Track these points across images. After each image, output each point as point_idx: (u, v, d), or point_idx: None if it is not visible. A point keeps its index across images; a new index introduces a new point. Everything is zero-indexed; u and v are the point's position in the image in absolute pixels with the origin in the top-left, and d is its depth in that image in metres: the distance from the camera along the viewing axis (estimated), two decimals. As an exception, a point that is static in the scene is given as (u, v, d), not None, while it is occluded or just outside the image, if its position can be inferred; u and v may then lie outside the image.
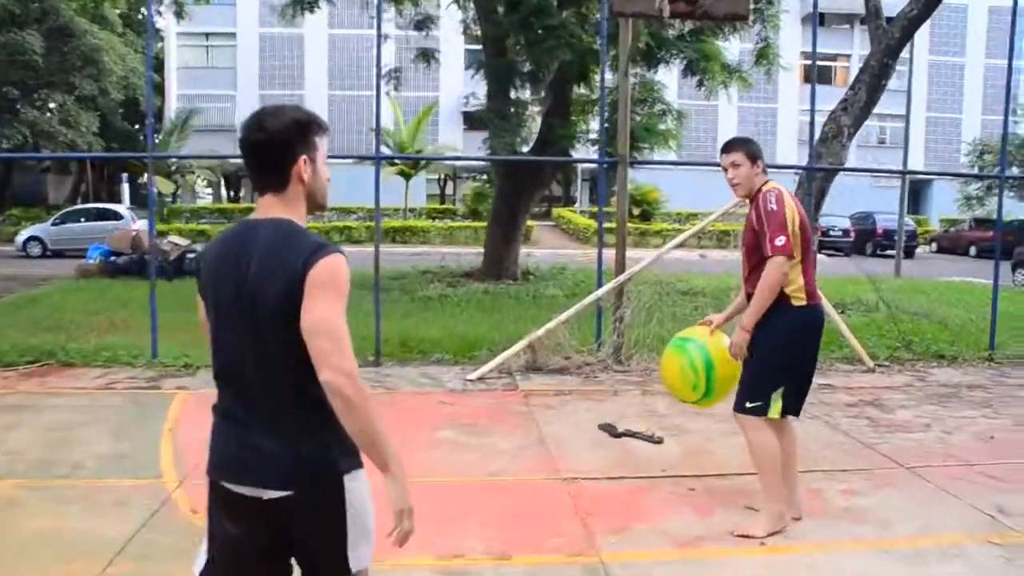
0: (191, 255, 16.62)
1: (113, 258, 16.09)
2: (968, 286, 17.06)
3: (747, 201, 4.25)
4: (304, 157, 2.14)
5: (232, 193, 46.15)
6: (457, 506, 4.59)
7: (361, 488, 2.16)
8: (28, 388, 7.31)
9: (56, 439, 5.75)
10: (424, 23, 15.07)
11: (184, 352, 8.34)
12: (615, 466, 5.26)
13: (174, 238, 18.99)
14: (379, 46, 8.35)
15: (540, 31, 11.77)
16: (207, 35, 40.94)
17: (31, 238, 24.84)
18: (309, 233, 2.13)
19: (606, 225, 9.54)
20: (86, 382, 7.53)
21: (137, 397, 7.01)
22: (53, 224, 25.04)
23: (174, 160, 34.75)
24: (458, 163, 38.96)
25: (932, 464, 5.36)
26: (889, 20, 11.10)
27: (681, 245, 9.15)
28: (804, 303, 4.06)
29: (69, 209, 27.75)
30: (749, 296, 4.13)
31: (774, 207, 3.95)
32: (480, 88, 15.13)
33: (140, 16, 37.49)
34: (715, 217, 8.92)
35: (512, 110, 13.84)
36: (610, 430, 5.90)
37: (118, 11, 32.64)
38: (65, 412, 6.48)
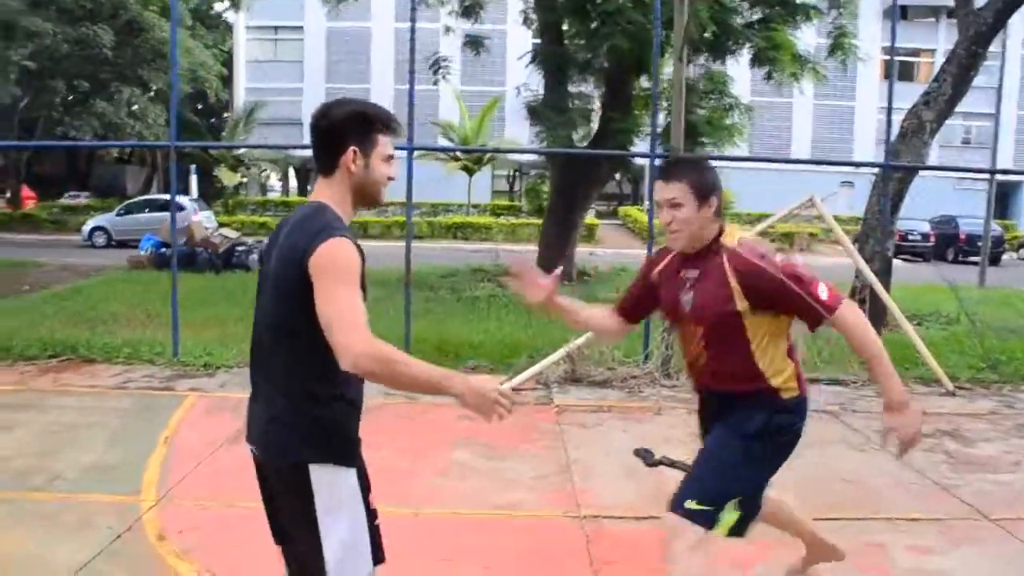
0: (240, 247, 16.38)
1: (163, 249, 15.91)
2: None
3: (687, 256, 2.88)
4: (355, 149, 2.23)
5: (303, 186, 46.43)
6: (453, 544, 4.01)
7: (336, 487, 2.20)
8: (41, 385, 7.00)
9: (47, 444, 5.39)
10: (472, 9, 14.47)
11: (207, 350, 7.96)
12: (645, 502, 4.60)
13: (225, 230, 18.83)
14: (413, 32, 7.79)
15: (596, 17, 11.10)
16: (275, 28, 41.13)
17: (96, 228, 25.11)
18: (325, 215, 2.20)
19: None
20: (101, 380, 7.19)
21: (146, 399, 6.61)
22: (118, 214, 25.28)
23: (240, 152, 34.91)
24: (524, 159, 38.35)
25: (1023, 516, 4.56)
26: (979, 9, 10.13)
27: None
28: (797, 393, 2.85)
29: (133, 200, 28.03)
30: (701, 390, 3.05)
31: (773, 258, 2.72)
32: (538, 80, 14.49)
33: (210, 10, 37.84)
34: (778, 219, 8.11)
35: (568, 103, 13.18)
36: (645, 457, 5.21)
37: (188, 5, 32.84)
38: (68, 414, 6.13)
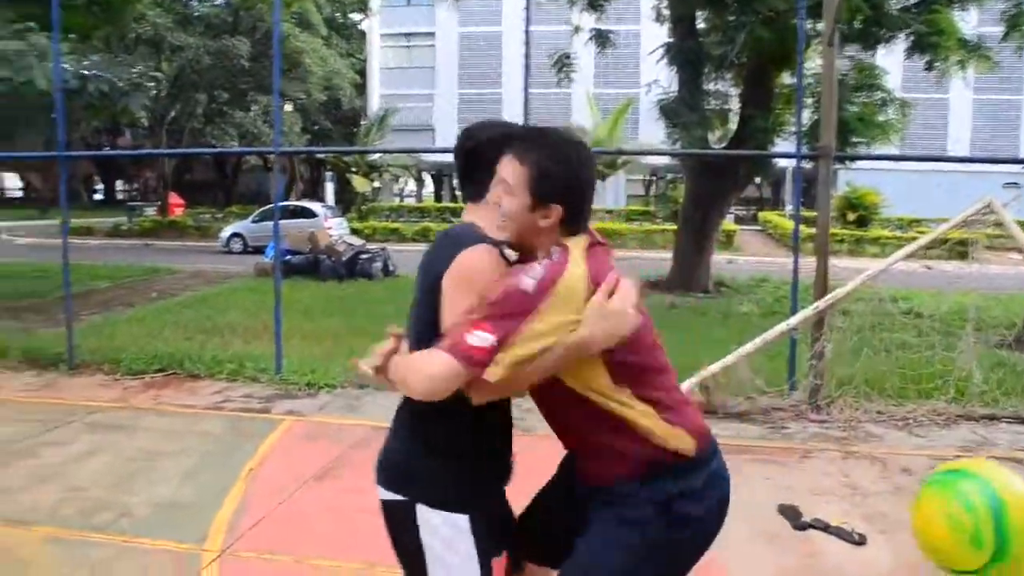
0: (364, 255, 16.12)
1: (289, 257, 15.83)
2: None
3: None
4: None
5: (438, 191, 46.79)
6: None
7: (447, 533, 1.98)
8: (140, 402, 6.72)
9: (125, 474, 5.01)
10: (596, 2, 13.67)
11: (311, 368, 7.52)
12: (792, 580, 3.75)
13: (349, 237, 18.68)
14: (528, 33, 7.12)
15: (733, 6, 10.13)
16: (408, 35, 41.45)
17: (233, 234, 25.65)
18: (468, 234, 2.00)
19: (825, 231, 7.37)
20: (199, 398, 6.85)
21: (240, 422, 6.18)
22: (253, 221, 25.73)
23: (374, 158, 35.25)
24: (659, 162, 37.22)
25: None
26: None
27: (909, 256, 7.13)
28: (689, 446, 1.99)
29: (268, 207, 28.63)
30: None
31: (529, 286, 1.83)
32: (671, 78, 13.58)
33: (345, 20, 38.50)
34: (951, 226, 6.90)
35: (703, 101, 12.25)
36: (792, 517, 4.36)
37: (322, 15, 33.45)
38: (156, 437, 5.77)
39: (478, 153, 2.10)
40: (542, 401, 2.07)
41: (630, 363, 1.95)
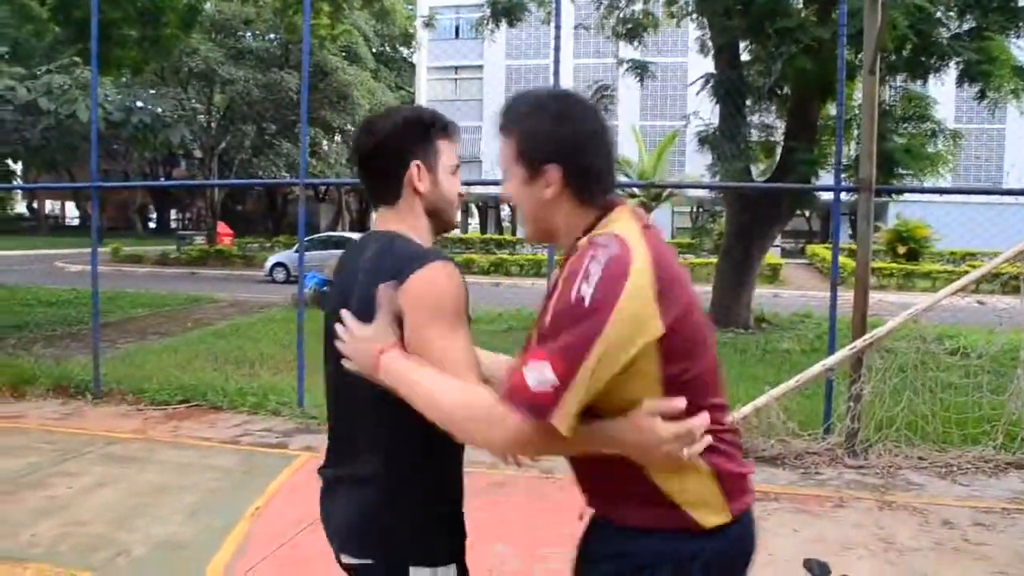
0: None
1: (326, 288, 15.82)
2: None
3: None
4: (418, 163, 1.81)
5: (485, 223, 46.96)
6: None
7: None
8: (158, 434, 6.64)
9: (128, 509, 4.90)
10: (635, 32, 13.56)
11: (333, 401, 7.38)
12: (816, 645, 3.47)
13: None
14: (557, 61, 7.00)
15: (774, 35, 9.90)
16: (456, 68, 41.81)
17: (277, 264, 25.87)
18: (410, 244, 1.76)
19: (872, 266, 6.95)
20: (218, 431, 6.75)
21: (254, 457, 6.05)
22: (296, 251, 25.90)
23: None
24: (705, 195, 36.89)
25: None
26: None
27: (960, 291, 6.77)
28: (723, 520, 1.65)
29: (311, 237, 28.87)
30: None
31: (588, 296, 1.46)
32: (712, 108, 13.38)
33: (394, 53, 38.99)
34: (1005, 259, 6.51)
35: (744, 132, 12.00)
36: (820, 573, 4.08)
37: (372, 49, 33.91)
38: (166, 471, 5.67)
39: (385, 145, 1.82)
40: None
41: (689, 380, 1.59)
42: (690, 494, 1.62)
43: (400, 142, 1.82)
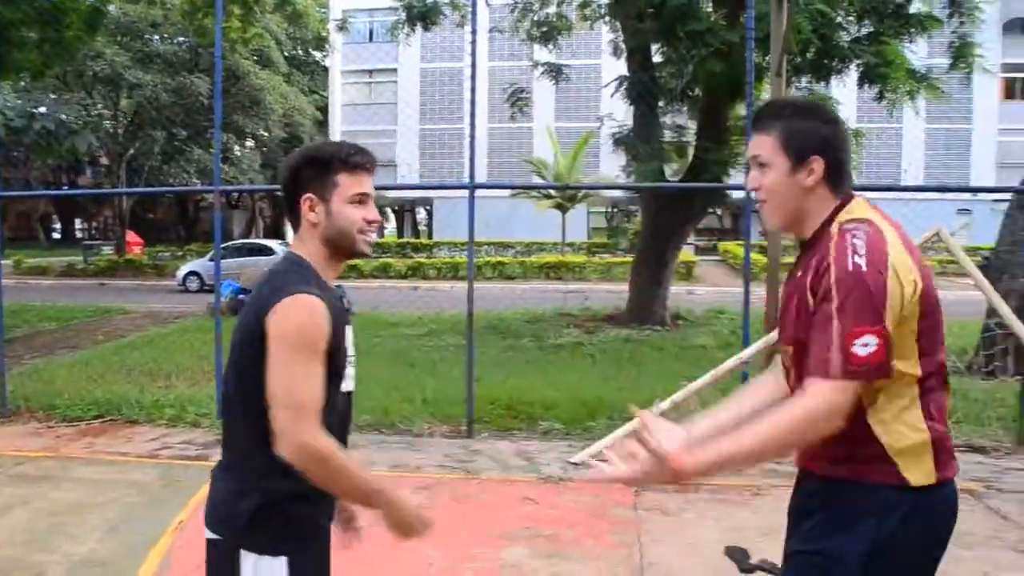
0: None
1: (242, 296, 15.56)
2: None
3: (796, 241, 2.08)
4: (308, 196, 1.98)
5: (402, 228, 46.70)
6: None
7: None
8: (72, 451, 6.45)
9: (43, 529, 4.74)
10: (550, 35, 13.74)
11: (255, 411, 7.27)
12: (738, 630, 3.59)
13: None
14: (474, 67, 7.04)
15: (685, 38, 10.14)
16: (370, 72, 41.46)
17: (190, 273, 25.32)
18: (290, 273, 1.94)
19: (782, 261, 7.23)
20: (135, 446, 6.59)
21: (174, 470, 5.93)
22: (210, 259, 25.39)
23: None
24: (620, 195, 37.42)
25: None
26: None
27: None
28: (929, 480, 1.80)
29: (226, 244, 28.34)
30: (798, 465, 2.00)
31: (863, 264, 1.73)
32: (626, 110, 13.59)
33: (307, 57, 38.50)
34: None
35: (657, 133, 12.24)
36: (740, 560, 4.19)
37: (284, 53, 33.40)
38: (82, 488, 5.51)
39: (286, 180, 2.03)
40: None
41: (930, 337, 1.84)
42: (906, 451, 1.79)
43: (293, 177, 2.01)
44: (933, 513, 1.83)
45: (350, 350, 2.10)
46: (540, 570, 4.15)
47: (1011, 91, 37.43)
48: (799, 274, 1.90)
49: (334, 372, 1.92)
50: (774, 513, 4.92)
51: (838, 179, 1.90)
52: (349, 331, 2.09)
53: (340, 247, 2.01)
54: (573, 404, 7.58)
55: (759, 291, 7.02)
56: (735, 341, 10.80)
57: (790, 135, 1.89)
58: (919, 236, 6.57)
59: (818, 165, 1.88)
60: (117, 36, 27.13)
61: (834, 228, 1.83)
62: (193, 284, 24.71)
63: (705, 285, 25.95)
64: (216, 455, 5.62)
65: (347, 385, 2.06)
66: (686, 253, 25.82)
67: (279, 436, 1.80)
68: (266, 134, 31.03)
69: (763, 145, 1.93)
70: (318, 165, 1.99)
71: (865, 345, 1.69)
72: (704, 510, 5.05)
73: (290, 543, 1.92)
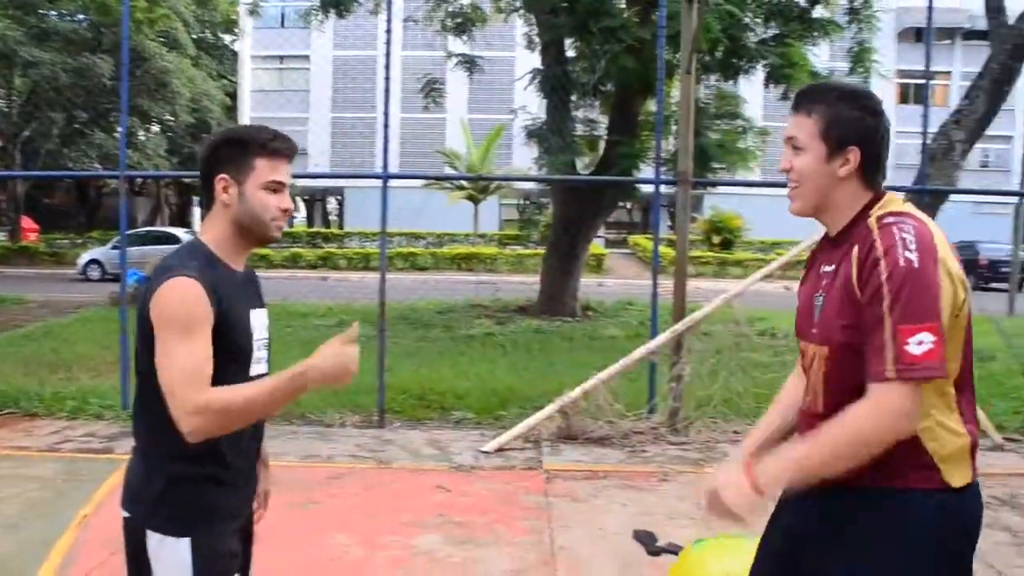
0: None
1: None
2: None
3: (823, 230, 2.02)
4: (223, 177, 1.96)
5: (311, 216, 45.98)
6: None
7: (167, 556, 1.91)
8: (-34, 446, 6.18)
9: (-60, 527, 4.55)
10: (464, 27, 13.77)
11: (161, 402, 7.11)
12: (645, 610, 3.71)
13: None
14: (388, 56, 7.03)
15: (598, 35, 10.31)
16: (281, 58, 40.71)
17: (91, 261, 24.56)
18: (175, 257, 1.94)
19: (690, 254, 7.42)
20: (34, 439, 6.37)
21: (77, 464, 5.76)
22: (112, 247, 24.62)
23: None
24: (532, 187, 37.70)
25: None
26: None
27: (766, 278, 7.34)
28: (966, 481, 1.80)
29: (129, 232, 27.49)
30: (810, 421, 1.89)
31: (915, 259, 1.68)
32: (540, 104, 13.71)
33: (215, 41, 37.52)
34: (803, 247, 7.12)
35: (570, 127, 12.40)
36: (647, 543, 4.32)
37: (192, 36, 32.45)
38: (-21, 484, 5.29)
39: (205, 158, 2.02)
40: (838, 373, 1.81)
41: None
42: (950, 457, 1.76)
43: (211, 155, 2.00)
44: (970, 513, 1.82)
45: (262, 333, 2.08)
46: (453, 556, 4.21)
47: (905, 96, 39.03)
48: (830, 269, 1.86)
49: (237, 353, 1.94)
50: (680, 498, 5.12)
51: (873, 173, 1.86)
52: (260, 314, 2.08)
53: (250, 231, 2.01)
54: (484, 394, 7.67)
55: (667, 283, 7.19)
56: (644, 332, 11.03)
57: (832, 121, 1.83)
58: (817, 232, 6.85)
59: (854, 156, 1.82)
60: (9, 10, 25.93)
61: (872, 221, 1.79)
62: (94, 273, 23.95)
63: (615, 277, 26.39)
64: (121, 447, 5.50)
65: (260, 368, 2.06)
66: (596, 246, 26.17)
67: (178, 421, 1.80)
68: (173, 119, 30.08)
69: (802, 127, 1.87)
70: (237, 146, 1.99)
71: (920, 343, 1.63)
72: (613, 496, 5.18)
73: (193, 525, 1.94)
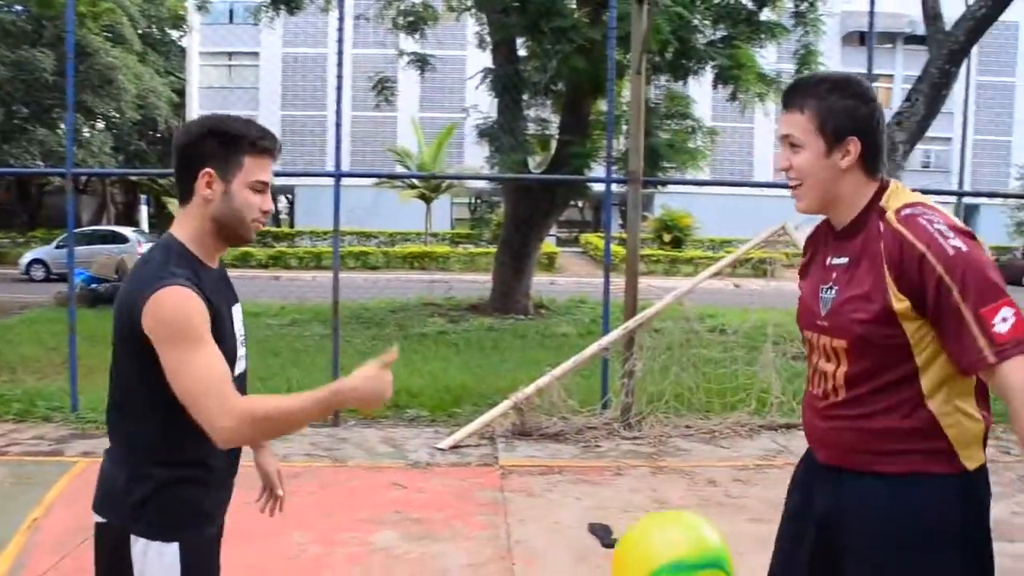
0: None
1: (95, 285, 14.90)
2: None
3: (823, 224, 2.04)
4: (208, 172, 1.87)
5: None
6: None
7: (160, 566, 1.86)
8: (-91, 451, 6.04)
9: None
10: (416, 25, 13.79)
11: (111, 404, 7.02)
12: (600, 601, 3.79)
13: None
14: (340, 54, 7.03)
15: (549, 35, 10.40)
16: (230, 55, 40.19)
17: (34, 261, 23.99)
18: (157, 263, 1.85)
19: (641, 253, 7.52)
20: (-21, 443, 6.24)
21: (24, 467, 5.66)
22: (57, 247, 24.08)
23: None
24: (484, 186, 37.75)
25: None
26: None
27: (716, 275, 7.48)
28: (980, 463, 1.82)
29: (74, 231, 26.92)
30: (824, 463, 1.94)
31: (960, 244, 1.71)
32: (491, 103, 13.76)
33: (162, 36, 36.90)
34: (752, 246, 7.27)
35: (521, 126, 12.47)
36: (602, 537, 4.39)
37: (138, 31, 31.86)
38: (-78, 490, 5.19)
39: (187, 149, 1.91)
40: (862, 355, 1.80)
41: None
42: (967, 442, 1.78)
43: (197, 148, 1.89)
44: (986, 493, 1.83)
45: (240, 329, 2.05)
46: (411, 552, 4.24)
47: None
48: (841, 261, 1.87)
49: (225, 353, 1.88)
50: (634, 492, 5.21)
51: (874, 161, 1.84)
52: (237, 310, 2.06)
53: (229, 230, 1.94)
54: (438, 391, 7.71)
55: (619, 281, 7.29)
56: (596, 329, 11.14)
57: (826, 114, 1.81)
58: (765, 230, 7.03)
59: (854, 147, 1.81)
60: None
61: (890, 215, 1.78)
62: (38, 273, 23.41)
63: (566, 276, 26.54)
64: (71, 449, 5.42)
65: (241, 366, 2.04)
66: (548, 244, 26.34)
67: (213, 431, 1.75)
68: (118, 116, 29.49)
69: (795, 124, 1.84)
70: (225, 141, 1.89)
71: (1004, 320, 1.64)
72: (567, 490, 5.25)
73: (183, 529, 1.90)
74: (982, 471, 1.82)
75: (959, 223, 1.75)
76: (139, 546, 1.86)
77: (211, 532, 2.00)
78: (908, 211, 1.77)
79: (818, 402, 1.92)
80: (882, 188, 1.86)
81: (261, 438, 1.86)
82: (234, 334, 1.98)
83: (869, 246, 1.80)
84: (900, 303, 1.72)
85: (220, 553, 2.08)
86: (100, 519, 1.94)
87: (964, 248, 1.68)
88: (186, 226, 1.93)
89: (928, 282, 1.69)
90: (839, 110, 1.81)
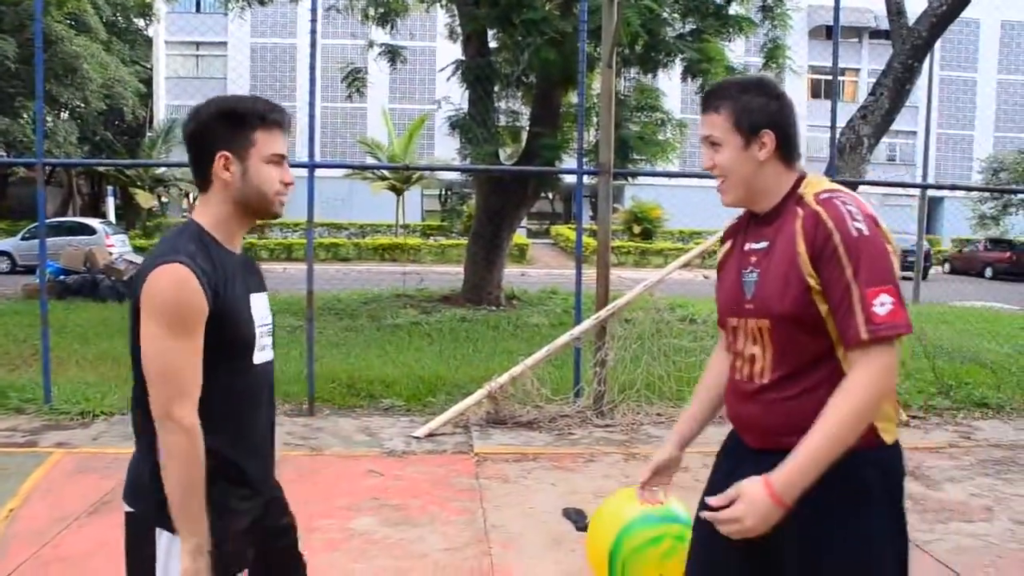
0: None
1: (63, 277, 14.77)
2: (993, 313, 15.63)
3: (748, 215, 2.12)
4: (224, 154, 1.87)
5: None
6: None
7: (174, 552, 1.82)
8: None
9: None
10: (388, 17, 13.79)
11: (84, 395, 7.03)
12: (573, 582, 3.89)
13: (131, 256, 17.67)
14: (314, 44, 7.05)
15: (520, 27, 10.46)
16: (197, 44, 39.83)
17: (0, 253, 23.64)
18: (168, 241, 1.87)
19: (611, 244, 7.65)
20: (-49, 435, 6.22)
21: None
22: (22, 238, 23.77)
23: (160, 171, 33.69)
24: (455, 177, 37.75)
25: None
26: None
27: (685, 266, 7.63)
28: (895, 437, 1.93)
29: (39, 223, 26.55)
30: (752, 446, 2.02)
31: (864, 228, 1.82)
32: (463, 94, 13.80)
33: (128, 25, 36.41)
34: (718, 238, 7.46)
35: (493, 118, 12.53)
36: (577, 521, 4.51)
37: (103, 19, 31.39)
38: None
39: (199, 135, 1.91)
40: (784, 347, 1.91)
41: None
42: (884, 415, 1.89)
43: (208, 132, 1.89)
44: (901, 469, 1.94)
45: (265, 318, 2.02)
46: (389, 537, 4.32)
47: (817, 91, 40.31)
48: (760, 245, 1.97)
49: (238, 343, 1.89)
50: (606, 478, 5.31)
51: (789, 151, 1.98)
52: (260, 298, 2.03)
53: (255, 208, 1.95)
54: (412, 381, 7.76)
55: (590, 272, 7.39)
56: (567, 320, 11.26)
57: (741, 112, 1.95)
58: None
59: (769, 139, 1.94)
60: None
61: (809, 199, 1.90)
62: (3, 265, 23.14)
63: (538, 267, 26.64)
64: (45, 440, 5.44)
65: (264, 356, 2.01)
66: (519, 236, 26.41)
67: (157, 412, 1.76)
68: (83, 105, 29.08)
69: (715, 124, 1.98)
70: (234, 121, 1.89)
71: (883, 304, 1.76)
72: (542, 477, 5.35)
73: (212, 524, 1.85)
74: (897, 447, 1.93)
75: (870, 210, 1.87)
76: (164, 540, 1.84)
77: (239, 528, 1.93)
78: (826, 195, 1.90)
79: (745, 386, 2.00)
80: (801, 178, 2.00)
81: (167, 446, 1.75)
82: (252, 321, 1.95)
83: (786, 227, 1.92)
84: (813, 279, 1.84)
85: (255, 546, 2.00)
86: (128, 508, 1.93)
87: (867, 232, 1.81)
88: (208, 211, 1.93)
89: (829, 257, 1.81)
90: (752, 107, 1.95)
